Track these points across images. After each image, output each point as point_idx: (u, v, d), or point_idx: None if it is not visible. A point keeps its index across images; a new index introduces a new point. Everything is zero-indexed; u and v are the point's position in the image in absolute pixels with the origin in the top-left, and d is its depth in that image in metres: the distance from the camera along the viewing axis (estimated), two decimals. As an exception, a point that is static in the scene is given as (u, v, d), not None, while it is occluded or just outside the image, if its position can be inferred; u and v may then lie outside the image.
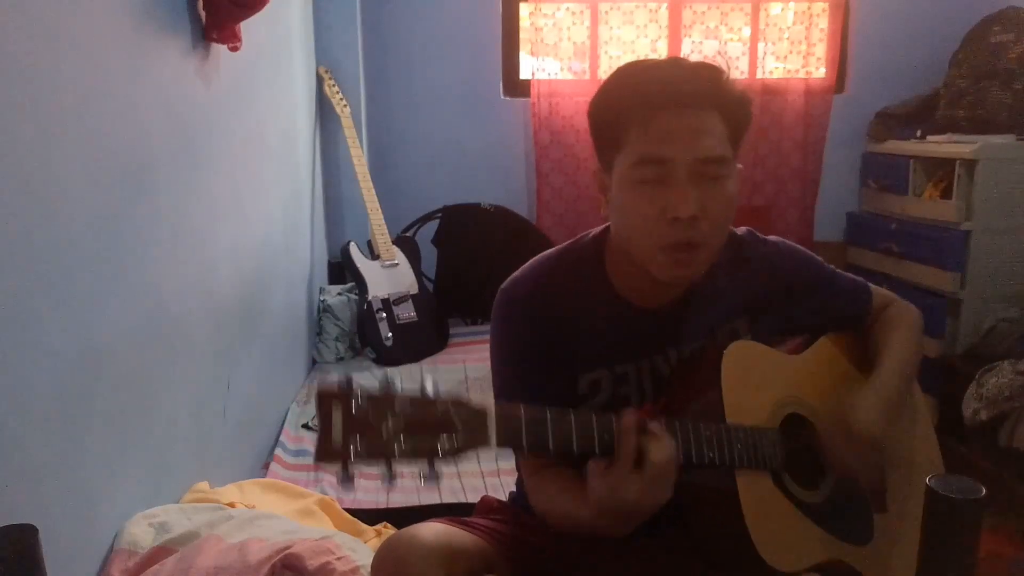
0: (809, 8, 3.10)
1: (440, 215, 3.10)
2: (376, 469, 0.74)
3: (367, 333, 2.69)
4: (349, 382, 0.75)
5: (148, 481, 1.36)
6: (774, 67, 3.21)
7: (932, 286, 2.63)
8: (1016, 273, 2.55)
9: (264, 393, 2.10)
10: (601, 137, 1.03)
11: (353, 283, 2.81)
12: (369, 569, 1.03)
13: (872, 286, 1.24)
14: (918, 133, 2.93)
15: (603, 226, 1.11)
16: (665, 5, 3.08)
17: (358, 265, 2.77)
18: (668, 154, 0.94)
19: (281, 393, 2.30)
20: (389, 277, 2.81)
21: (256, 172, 2.05)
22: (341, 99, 2.87)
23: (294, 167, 2.52)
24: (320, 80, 2.88)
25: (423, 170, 3.20)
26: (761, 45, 3.13)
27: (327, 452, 0.73)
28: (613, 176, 1.00)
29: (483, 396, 0.82)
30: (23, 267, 0.99)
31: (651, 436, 0.85)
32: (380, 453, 0.74)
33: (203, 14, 1.59)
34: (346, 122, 2.84)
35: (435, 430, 0.76)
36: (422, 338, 2.78)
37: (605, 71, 3.06)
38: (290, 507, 1.60)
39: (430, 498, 1.78)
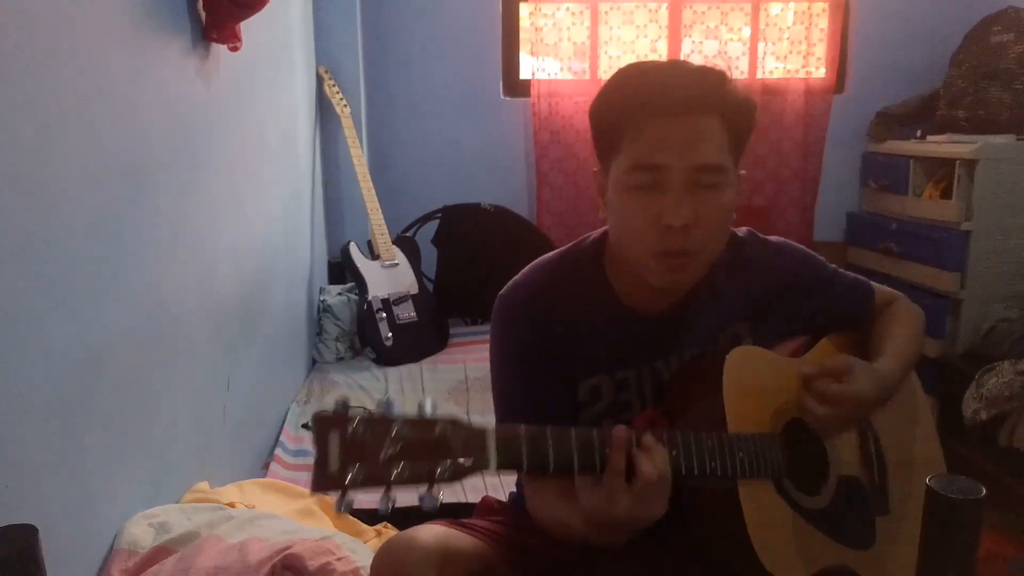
0: (809, 8, 3.10)
1: (440, 215, 3.10)
2: (374, 495, 0.73)
3: (367, 333, 2.69)
4: (345, 405, 0.74)
5: (148, 481, 1.36)
6: (774, 67, 3.21)
7: (932, 286, 2.63)
8: (1016, 273, 2.55)
9: (264, 393, 2.10)
10: (599, 140, 1.02)
11: (353, 283, 2.81)
12: (368, 570, 1.03)
13: (875, 285, 1.23)
14: (918, 133, 2.94)
15: (602, 229, 1.10)
16: (665, 5, 3.08)
17: (358, 265, 2.77)
18: (662, 161, 0.93)
19: (281, 393, 2.30)
20: (389, 277, 2.81)
21: (256, 172, 2.05)
22: (341, 99, 2.87)
23: (294, 167, 2.52)
24: (320, 80, 2.88)
25: (423, 170, 3.20)
26: (761, 45, 3.13)
27: (324, 480, 0.73)
28: (609, 179, 1.00)
29: (482, 418, 0.81)
30: (23, 267, 0.99)
31: (643, 450, 0.84)
32: (378, 479, 0.73)
33: (203, 14, 1.59)
34: (346, 122, 2.84)
35: (433, 454, 0.76)
36: (422, 338, 2.78)
37: (605, 71, 3.06)
38: (290, 507, 1.60)
39: (430, 498, 1.78)
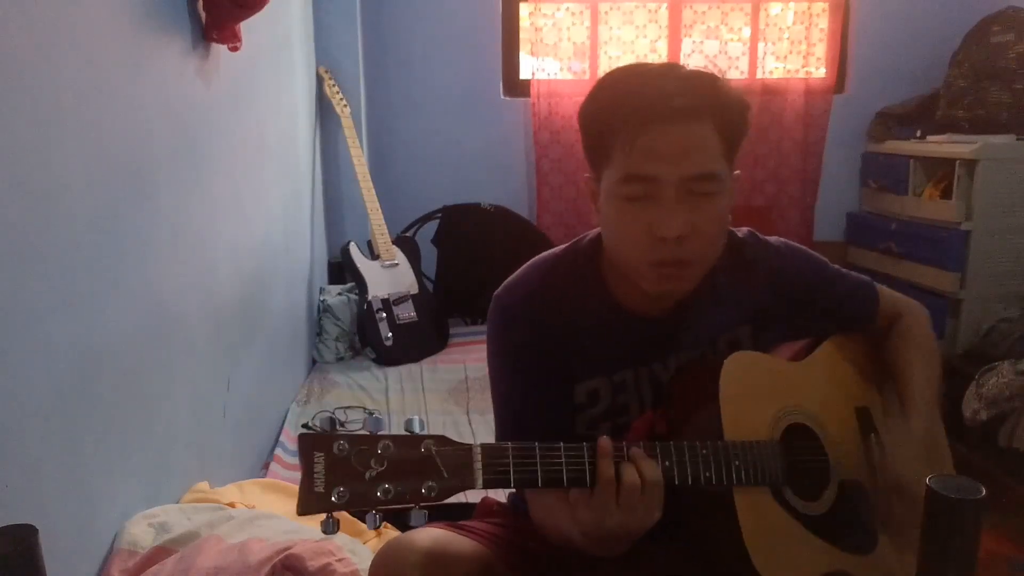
0: (809, 8, 3.10)
1: (440, 215, 3.10)
2: (361, 516, 0.73)
3: (367, 333, 2.69)
4: (332, 422, 0.74)
5: (148, 481, 1.36)
6: (774, 67, 3.21)
7: (932, 286, 2.63)
8: (1016, 273, 2.55)
9: (264, 393, 2.10)
10: (590, 147, 1.00)
11: (353, 283, 2.82)
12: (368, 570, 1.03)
13: (878, 286, 1.20)
14: (918, 133, 2.94)
15: (597, 230, 1.08)
16: (665, 5, 3.08)
17: (358, 265, 2.77)
18: (655, 172, 0.91)
19: (281, 393, 2.30)
20: (389, 277, 2.81)
21: (256, 172, 2.05)
22: (341, 99, 2.87)
23: (294, 167, 2.52)
24: (320, 80, 2.88)
25: (423, 170, 3.20)
26: (761, 45, 3.13)
27: (310, 502, 0.72)
28: (602, 187, 0.98)
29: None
30: (23, 267, 0.99)
31: (632, 461, 0.84)
32: (364, 500, 0.74)
33: (203, 14, 1.59)
34: (346, 122, 2.84)
35: (420, 473, 0.75)
36: (422, 338, 2.78)
37: (605, 71, 3.01)
38: (290, 507, 1.60)
39: (430, 498, 1.78)
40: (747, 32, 3.13)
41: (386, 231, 2.85)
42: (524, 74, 3.18)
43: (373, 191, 2.82)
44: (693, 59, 3.08)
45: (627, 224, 0.95)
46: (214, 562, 1.20)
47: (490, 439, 0.91)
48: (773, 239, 1.15)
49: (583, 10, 3.06)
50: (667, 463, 0.88)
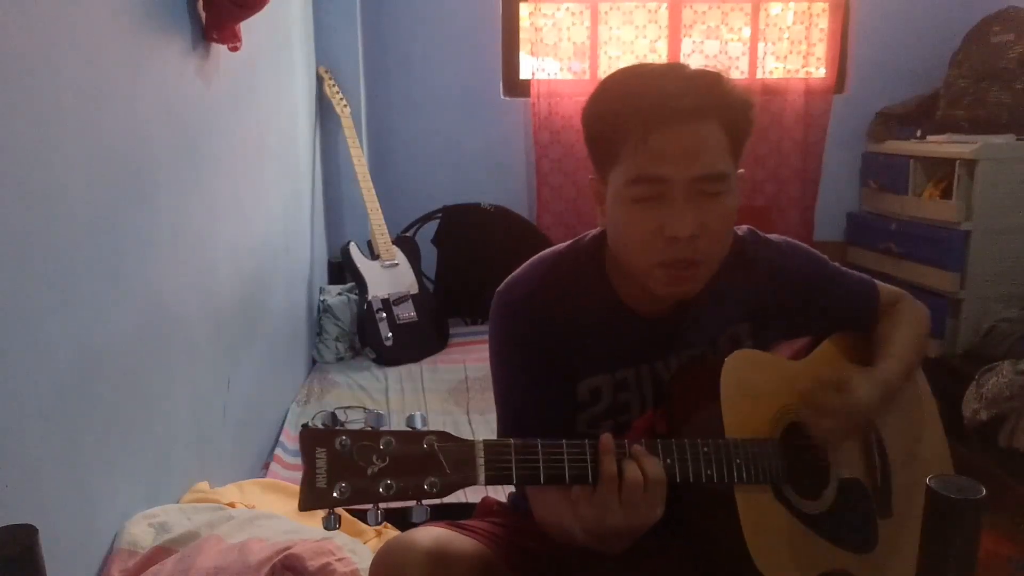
0: (809, 8, 3.10)
1: (440, 215, 3.10)
2: (361, 513, 0.73)
3: (367, 333, 2.69)
4: (334, 418, 0.74)
5: (148, 481, 1.36)
6: (774, 67, 3.21)
7: (932, 286, 2.63)
8: (1016, 273, 2.55)
9: (264, 393, 2.10)
10: (596, 149, 1.00)
11: (353, 283, 2.82)
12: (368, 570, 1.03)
13: (879, 284, 1.21)
14: (918, 133, 2.94)
15: (600, 228, 1.08)
16: (665, 5, 3.09)
17: (358, 265, 2.77)
18: (665, 173, 0.92)
19: (281, 393, 2.30)
20: (389, 277, 2.81)
21: (256, 172, 2.05)
22: (341, 99, 2.87)
23: (294, 167, 2.52)
24: (320, 80, 2.89)
25: (423, 170, 3.20)
26: (761, 45, 3.13)
27: (312, 498, 0.72)
28: (608, 189, 0.98)
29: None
30: (23, 267, 0.99)
31: (633, 458, 0.84)
32: (366, 496, 0.73)
33: (203, 14, 1.59)
34: (346, 122, 2.84)
35: (422, 469, 0.76)
36: (422, 338, 2.78)
37: (605, 71, 3.05)
38: (290, 507, 1.60)
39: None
40: (747, 32, 3.13)
41: (386, 231, 2.85)
42: (524, 74, 3.18)
43: (373, 191, 2.82)
44: (693, 59, 3.08)
45: (637, 225, 0.95)
46: (214, 562, 1.20)
47: (491, 438, 0.91)
48: (774, 237, 1.16)
49: (583, 10, 3.06)
50: (668, 461, 0.88)
